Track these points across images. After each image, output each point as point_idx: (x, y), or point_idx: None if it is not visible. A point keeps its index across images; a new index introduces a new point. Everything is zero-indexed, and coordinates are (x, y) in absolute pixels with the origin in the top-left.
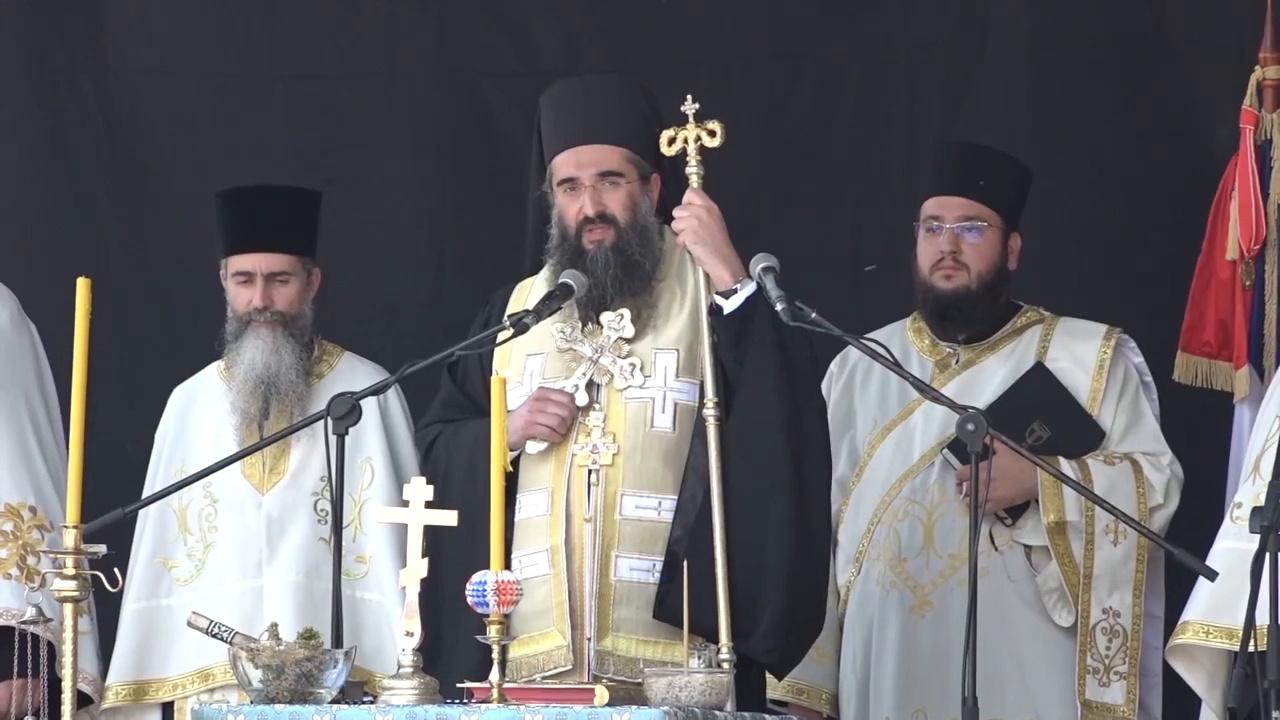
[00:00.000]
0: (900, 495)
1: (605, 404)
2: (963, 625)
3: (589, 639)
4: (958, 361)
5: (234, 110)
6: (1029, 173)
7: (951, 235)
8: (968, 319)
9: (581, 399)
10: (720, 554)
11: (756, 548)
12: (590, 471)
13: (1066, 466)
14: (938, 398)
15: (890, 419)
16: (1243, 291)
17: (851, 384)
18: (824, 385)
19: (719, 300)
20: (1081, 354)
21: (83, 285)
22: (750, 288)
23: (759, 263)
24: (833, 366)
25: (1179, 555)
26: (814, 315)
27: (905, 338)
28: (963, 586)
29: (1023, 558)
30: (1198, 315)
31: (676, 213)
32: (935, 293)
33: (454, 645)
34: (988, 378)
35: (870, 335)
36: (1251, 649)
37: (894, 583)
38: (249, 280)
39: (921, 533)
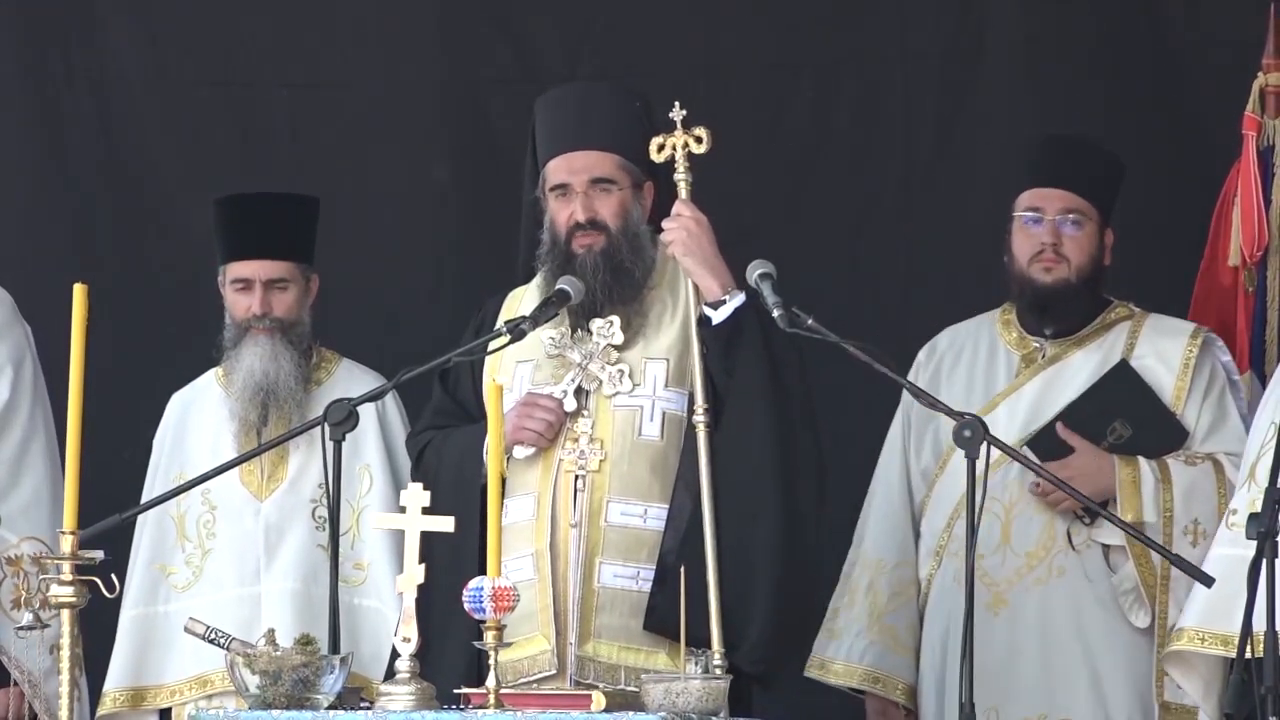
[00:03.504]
0: (982, 490)
1: (594, 410)
2: (1038, 625)
3: (571, 644)
4: (1044, 356)
5: (234, 117)
6: (1123, 166)
7: (1052, 227)
8: (1065, 311)
9: (570, 405)
10: (711, 563)
11: (745, 560)
12: (577, 477)
13: (1146, 466)
14: (934, 404)
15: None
16: (1245, 298)
17: (939, 374)
18: (910, 374)
19: (708, 311)
20: (1167, 352)
21: (79, 291)
22: (739, 299)
23: (756, 269)
24: (920, 355)
25: (1175, 561)
26: (810, 321)
27: (993, 329)
28: (1039, 585)
29: (1100, 557)
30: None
31: (665, 224)
32: (1034, 285)
33: (440, 649)
34: (1073, 373)
35: (959, 325)
36: (1248, 656)
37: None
38: (247, 287)
39: (999, 530)
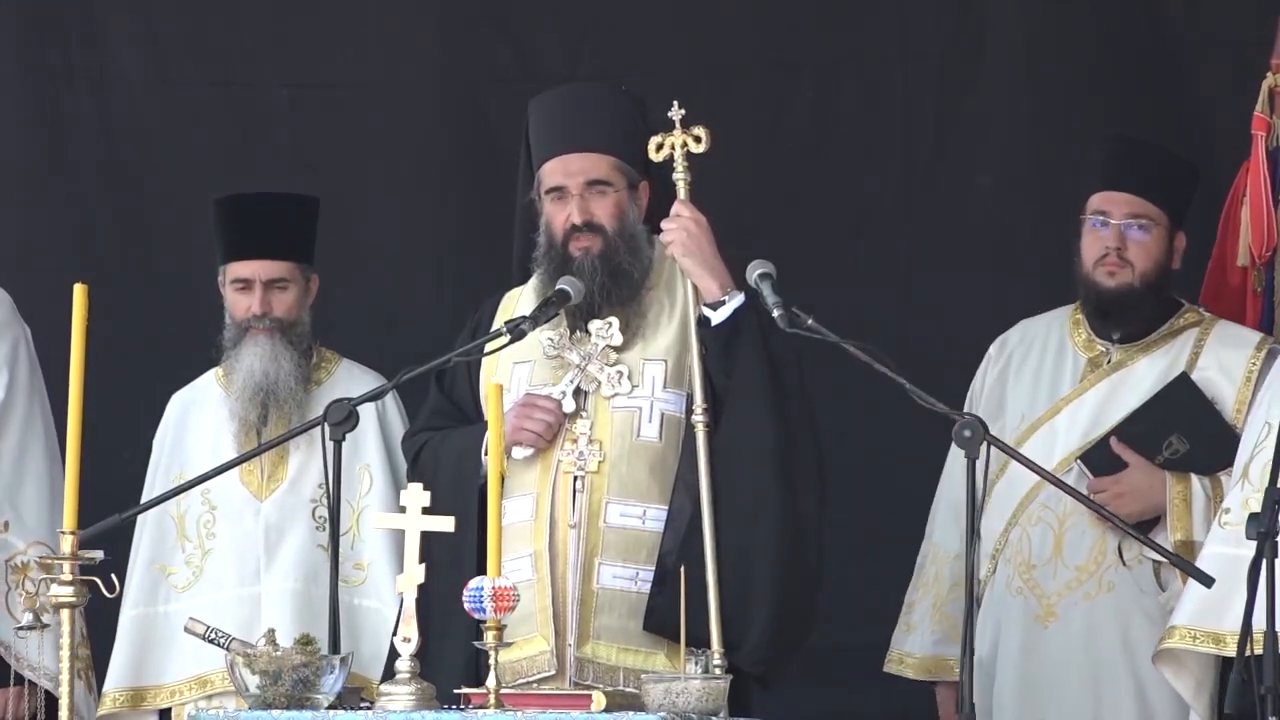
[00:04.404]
0: (1036, 500)
1: (592, 412)
2: (1086, 639)
3: (570, 645)
4: (1109, 361)
5: (234, 117)
6: (1196, 170)
7: (1118, 231)
8: (1128, 317)
9: (569, 406)
10: (711, 562)
11: (745, 561)
12: (576, 478)
13: (1198, 484)
14: (933, 404)
15: (1037, 416)
16: (1254, 297)
17: (1006, 371)
18: (980, 368)
19: (707, 312)
20: (1230, 363)
21: (80, 291)
22: (738, 299)
23: (756, 269)
24: (991, 350)
25: (1174, 561)
26: (810, 321)
27: (1064, 328)
28: (1088, 600)
29: (1150, 573)
30: None
31: (664, 224)
32: (1098, 289)
33: (440, 649)
34: (1137, 380)
35: (1031, 320)
36: (1248, 655)
37: (1020, 589)
38: (247, 287)
39: (1052, 541)
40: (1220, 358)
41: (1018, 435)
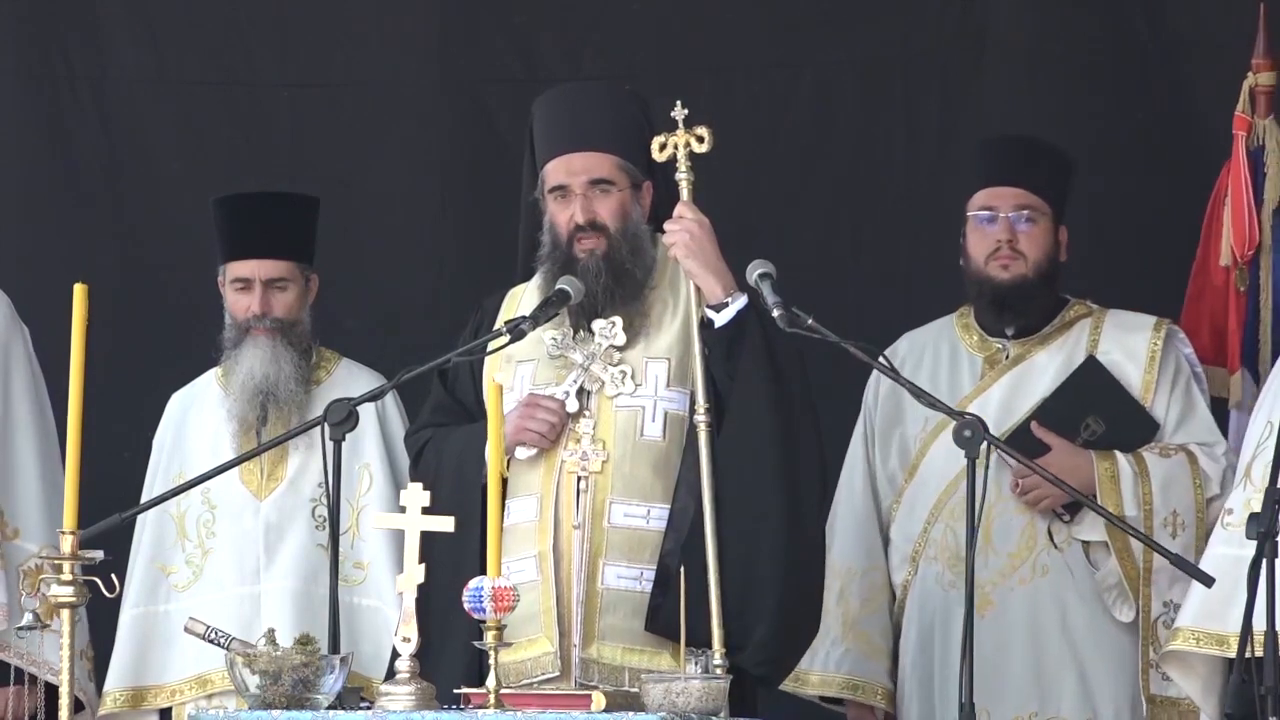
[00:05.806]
0: (957, 493)
1: (595, 411)
2: (1025, 624)
3: (575, 646)
4: (1007, 357)
5: (234, 117)
6: (1073, 163)
7: (1007, 224)
8: (1024, 309)
9: (572, 406)
10: (713, 563)
11: (749, 562)
12: (579, 478)
13: (1123, 460)
14: (934, 403)
15: (941, 418)
16: (1237, 297)
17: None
18: (871, 380)
19: (710, 314)
20: (1132, 346)
21: (80, 291)
22: (741, 301)
23: (756, 269)
24: (881, 359)
25: (1175, 560)
26: (810, 321)
27: (954, 333)
28: (1023, 585)
29: (1082, 554)
30: (1192, 321)
31: (667, 226)
32: (992, 283)
33: (441, 650)
34: (1039, 373)
35: (917, 330)
36: (1248, 655)
37: (953, 582)
38: (247, 286)
39: (980, 531)
40: (1121, 342)
41: (924, 438)
